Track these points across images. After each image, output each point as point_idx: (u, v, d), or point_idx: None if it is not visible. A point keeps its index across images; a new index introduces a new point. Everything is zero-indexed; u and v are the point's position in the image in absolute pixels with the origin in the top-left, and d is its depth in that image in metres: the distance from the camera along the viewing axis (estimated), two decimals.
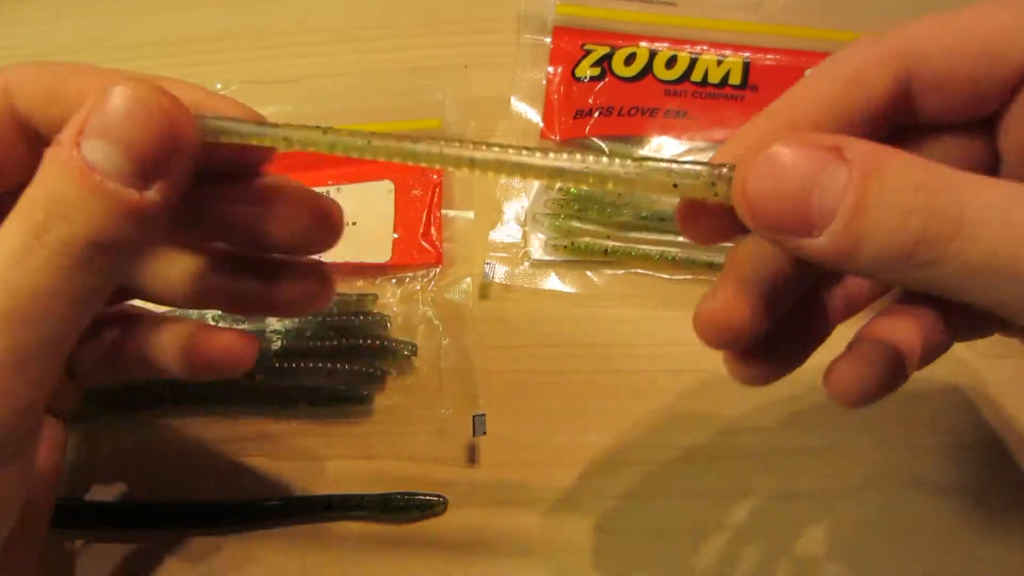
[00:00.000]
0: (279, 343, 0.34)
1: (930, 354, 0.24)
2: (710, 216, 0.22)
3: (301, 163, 0.40)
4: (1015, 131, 0.20)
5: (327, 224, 0.24)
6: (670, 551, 0.31)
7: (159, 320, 0.26)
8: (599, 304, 0.36)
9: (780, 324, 0.23)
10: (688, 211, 0.22)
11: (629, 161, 0.19)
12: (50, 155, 0.19)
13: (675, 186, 0.19)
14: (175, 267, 0.25)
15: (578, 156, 0.19)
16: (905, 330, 0.23)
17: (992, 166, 0.22)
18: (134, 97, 0.19)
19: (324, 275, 0.25)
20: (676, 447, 0.33)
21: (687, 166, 0.19)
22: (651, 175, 0.19)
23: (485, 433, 0.32)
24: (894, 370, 0.23)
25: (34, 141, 0.21)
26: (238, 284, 0.25)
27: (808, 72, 0.21)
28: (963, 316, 0.24)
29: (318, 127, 0.22)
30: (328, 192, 0.39)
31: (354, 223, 0.38)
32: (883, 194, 0.17)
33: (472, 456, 0.33)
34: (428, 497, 0.32)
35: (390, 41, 0.44)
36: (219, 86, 0.41)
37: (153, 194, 0.19)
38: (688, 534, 0.31)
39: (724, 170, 0.19)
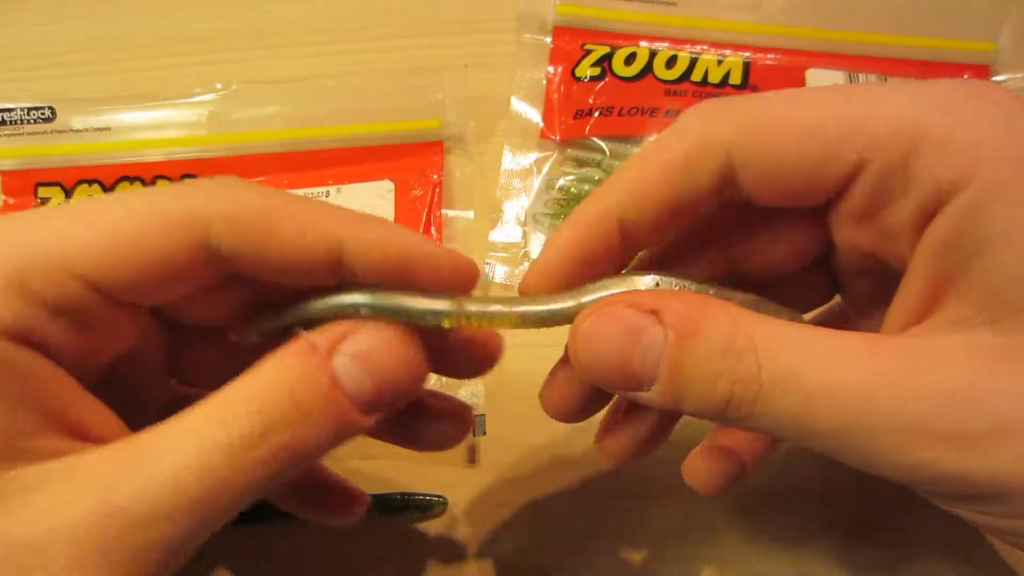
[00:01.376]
0: None
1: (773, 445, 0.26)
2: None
3: (301, 163, 0.40)
4: (842, 228, 0.21)
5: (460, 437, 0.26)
6: (670, 551, 0.31)
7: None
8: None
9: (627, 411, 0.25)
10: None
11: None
12: (299, 355, 0.19)
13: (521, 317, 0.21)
14: None
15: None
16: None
17: (825, 247, 0.23)
18: (398, 340, 0.20)
19: (466, 418, 0.26)
20: (676, 447, 0.33)
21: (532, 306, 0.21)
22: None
23: (485, 433, 0.32)
24: (741, 467, 0.25)
25: (221, 264, 0.20)
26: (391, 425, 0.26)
27: (636, 153, 0.22)
28: None
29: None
30: (328, 192, 0.39)
31: None
32: (694, 359, 0.19)
33: (472, 456, 0.33)
34: (428, 497, 0.32)
35: (390, 41, 0.44)
36: (219, 86, 0.41)
37: (372, 421, 0.19)
38: (688, 533, 0.31)
39: (555, 306, 0.21)
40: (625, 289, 0.21)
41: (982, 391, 0.17)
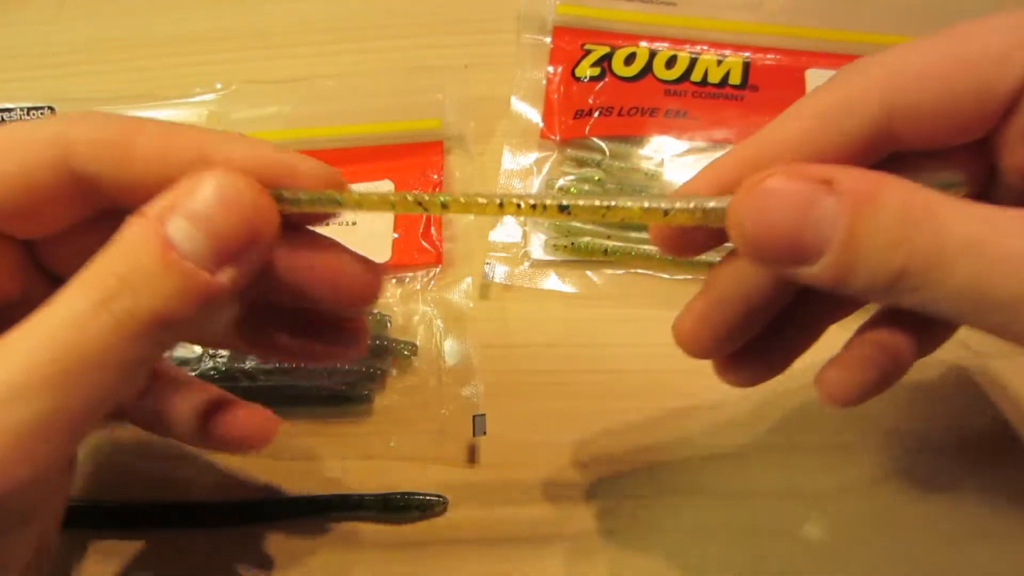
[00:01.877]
0: None
1: (920, 354, 0.24)
2: (687, 234, 0.23)
3: None
4: (1010, 151, 0.21)
5: (369, 280, 0.23)
6: (671, 550, 0.31)
7: (182, 383, 0.26)
8: (599, 304, 0.36)
9: (767, 328, 0.24)
10: (664, 231, 0.23)
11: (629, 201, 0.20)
12: (131, 225, 0.19)
13: (666, 214, 0.20)
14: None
15: (585, 196, 0.21)
16: (895, 334, 0.23)
17: (985, 183, 0.22)
18: (227, 187, 0.19)
19: (358, 332, 0.25)
20: (676, 446, 0.33)
21: (680, 202, 0.20)
22: (651, 212, 0.20)
23: (485, 433, 0.32)
24: (884, 373, 0.23)
25: (88, 193, 0.21)
26: (278, 337, 0.25)
27: (792, 107, 0.21)
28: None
29: (387, 195, 0.21)
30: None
31: (354, 223, 0.38)
32: (870, 228, 0.18)
33: (472, 456, 0.33)
34: (428, 497, 0.32)
35: (390, 41, 0.44)
36: (219, 86, 0.41)
37: (224, 278, 0.19)
38: (688, 533, 0.31)
39: (713, 203, 0.20)
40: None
41: None
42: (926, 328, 0.23)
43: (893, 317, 0.24)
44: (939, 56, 0.20)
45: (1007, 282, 0.17)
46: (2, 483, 0.18)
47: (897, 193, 0.18)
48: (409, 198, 0.21)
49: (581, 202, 0.20)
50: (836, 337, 0.24)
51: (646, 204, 0.20)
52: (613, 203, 0.20)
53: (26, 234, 0.22)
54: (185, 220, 0.19)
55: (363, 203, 0.21)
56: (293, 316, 0.24)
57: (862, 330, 0.24)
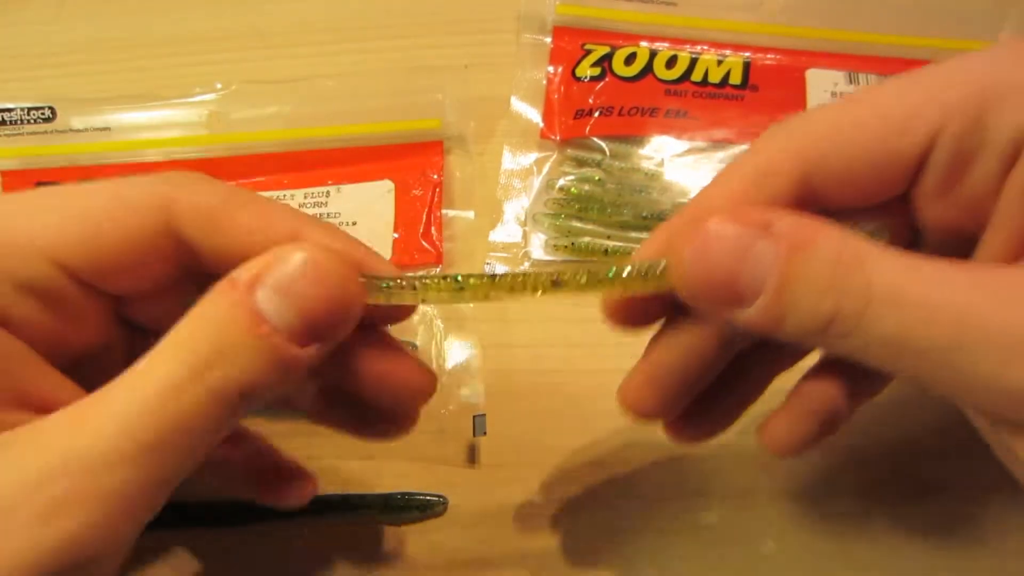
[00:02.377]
0: None
1: (857, 404, 0.25)
2: (635, 305, 0.24)
3: (301, 163, 0.40)
4: (925, 207, 0.21)
5: (424, 393, 0.24)
6: (671, 550, 0.31)
7: (238, 434, 0.27)
8: (599, 304, 0.36)
9: (713, 386, 0.24)
10: (614, 306, 0.24)
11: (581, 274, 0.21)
12: (221, 292, 0.19)
13: (622, 284, 0.21)
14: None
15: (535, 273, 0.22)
16: (832, 385, 0.24)
17: (911, 239, 0.23)
18: (317, 261, 0.19)
19: (408, 422, 0.26)
20: (676, 447, 0.33)
21: (626, 268, 0.21)
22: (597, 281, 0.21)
23: (485, 433, 0.32)
24: (823, 424, 0.24)
25: (184, 256, 0.21)
26: (334, 413, 0.26)
27: (721, 172, 0.22)
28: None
29: (475, 283, 0.22)
30: (328, 192, 0.39)
31: (354, 223, 0.38)
32: (803, 273, 0.18)
33: (472, 456, 0.33)
34: (428, 497, 0.32)
35: (390, 41, 0.44)
36: (219, 86, 0.41)
37: (311, 353, 0.19)
38: (689, 533, 0.31)
39: (657, 264, 0.21)
40: None
41: None
42: (863, 377, 0.24)
43: (831, 367, 0.24)
44: (850, 122, 0.21)
45: (926, 331, 0.18)
46: (84, 548, 0.18)
47: (830, 240, 0.18)
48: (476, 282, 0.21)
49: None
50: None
51: (587, 276, 0.21)
52: (556, 278, 0.21)
53: (120, 291, 0.22)
54: (275, 292, 0.19)
55: (433, 296, 0.21)
56: (352, 398, 0.25)
57: (802, 382, 0.25)
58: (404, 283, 0.21)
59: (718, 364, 0.24)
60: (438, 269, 0.37)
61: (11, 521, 0.17)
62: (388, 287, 0.21)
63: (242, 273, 0.19)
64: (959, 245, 0.22)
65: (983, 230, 0.21)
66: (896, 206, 0.22)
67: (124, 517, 0.18)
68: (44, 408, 0.20)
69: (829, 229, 0.19)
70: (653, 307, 0.23)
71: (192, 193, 0.21)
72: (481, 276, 0.21)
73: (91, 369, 0.23)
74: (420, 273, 0.22)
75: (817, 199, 0.21)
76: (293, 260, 0.19)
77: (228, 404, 0.19)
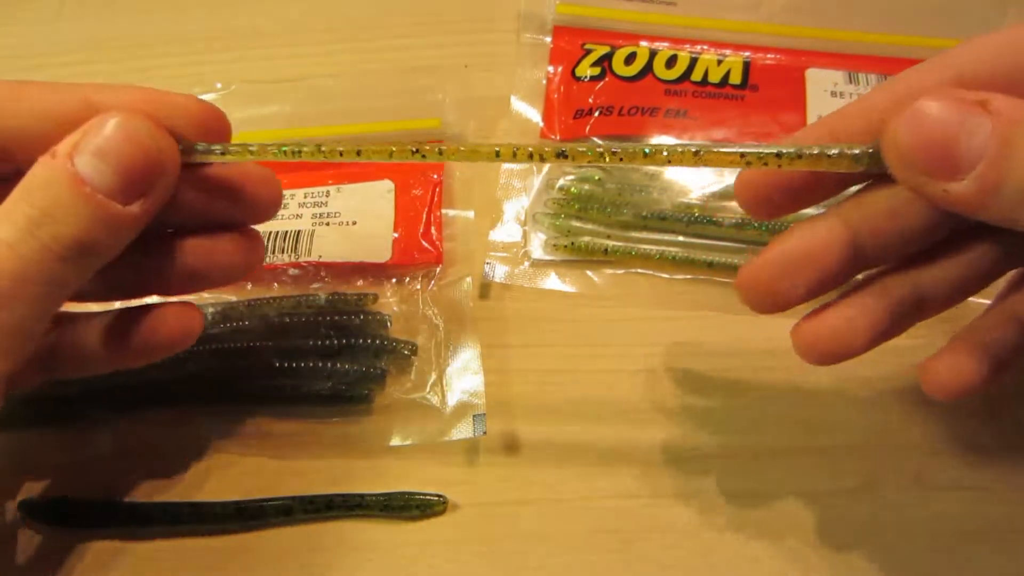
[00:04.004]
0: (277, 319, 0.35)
1: None
2: (779, 191, 0.24)
3: (301, 162, 0.40)
4: None
5: (271, 200, 0.27)
6: (671, 550, 0.31)
7: (89, 315, 0.27)
8: (599, 304, 0.36)
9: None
10: (757, 187, 0.24)
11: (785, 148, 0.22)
12: (43, 162, 0.21)
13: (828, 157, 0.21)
14: None
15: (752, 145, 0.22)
16: (1007, 321, 0.24)
17: None
18: (128, 124, 0.21)
19: (254, 238, 0.27)
20: (676, 447, 0.33)
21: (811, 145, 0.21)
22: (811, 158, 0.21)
23: (485, 433, 0.32)
24: (994, 360, 0.23)
25: None
26: (182, 258, 0.26)
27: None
28: None
29: (284, 146, 0.25)
30: (328, 192, 0.39)
31: (354, 223, 0.38)
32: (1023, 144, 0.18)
33: (472, 456, 0.33)
34: (428, 497, 0.32)
35: (390, 41, 0.44)
36: (219, 86, 0.41)
37: (135, 209, 0.22)
38: (688, 533, 0.31)
39: (865, 145, 0.21)
40: None
41: None
42: None
43: (1004, 306, 0.24)
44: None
45: None
46: None
47: None
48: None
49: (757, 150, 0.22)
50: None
51: (784, 152, 0.21)
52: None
53: None
54: (93, 156, 0.21)
55: (264, 152, 0.24)
56: (192, 238, 0.26)
57: (973, 321, 0.24)
58: (215, 148, 0.24)
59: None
60: (438, 269, 0.37)
61: None
62: (201, 151, 0.24)
63: (62, 144, 0.21)
64: None
65: None
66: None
67: None
68: None
69: None
70: (795, 195, 0.24)
71: None
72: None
73: None
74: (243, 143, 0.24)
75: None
76: (107, 125, 0.21)
77: (64, 257, 0.21)
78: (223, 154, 0.24)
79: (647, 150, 0.22)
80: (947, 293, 0.24)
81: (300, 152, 0.24)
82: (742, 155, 0.22)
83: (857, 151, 0.21)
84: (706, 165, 0.22)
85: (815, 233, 0.23)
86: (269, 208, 0.26)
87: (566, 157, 0.22)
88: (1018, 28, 0.22)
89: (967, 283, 0.24)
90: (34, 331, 0.22)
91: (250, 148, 0.24)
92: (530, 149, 0.23)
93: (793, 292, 0.23)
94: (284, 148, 0.24)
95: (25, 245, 0.20)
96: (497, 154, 0.23)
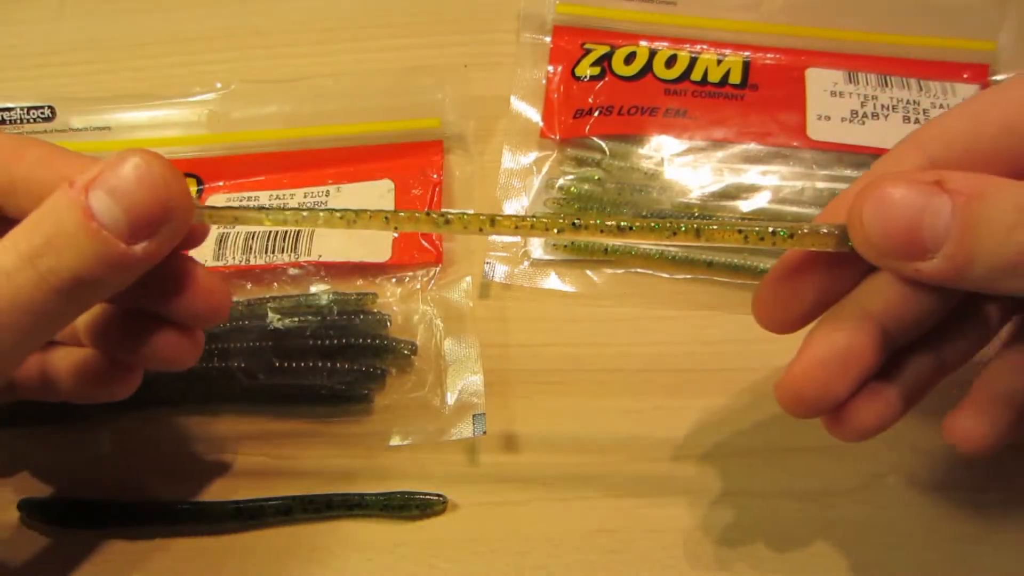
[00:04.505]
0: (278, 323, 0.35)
1: None
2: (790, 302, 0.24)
3: (300, 162, 0.40)
4: None
5: (220, 312, 0.26)
6: (670, 550, 0.31)
7: (59, 348, 0.28)
8: (599, 304, 0.36)
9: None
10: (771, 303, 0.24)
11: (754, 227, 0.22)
12: (59, 194, 0.21)
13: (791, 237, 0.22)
14: None
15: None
16: (1019, 372, 0.24)
17: None
18: (145, 166, 0.21)
19: (197, 336, 0.26)
20: (675, 446, 0.33)
21: (801, 224, 0.22)
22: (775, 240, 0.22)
23: (485, 433, 0.32)
24: (1020, 409, 0.23)
25: None
26: (124, 337, 0.26)
27: (960, 102, 0.22)
28: None
29: (297, 209, 0.25)
30: (328, 191, 0.39)
31: None
32: (987, 215, 0.19)
33: (472, 456, 0.33)
34: (428, 496, 0.32)
35: (390, 41, 0.44)
36: (219, 86, 0.41)
37: (138, 250, 0.21)
38: (688, 533, 0.31)
39: (833, 226, 0.21)
40: None
41: None
42: None
43: (1016, 350, 0.24)
44: (972, 110, 0.21)
45: None
46: None
47: (1007, 186, 0.19)
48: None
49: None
50: None
51: (756, 232, 0.22)
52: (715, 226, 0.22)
53: None
54: (106, 194, 0.21)
55: (278, 215, 0.24)
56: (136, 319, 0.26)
57: (986, 369, 0.24)
58: (237, 211, 0.24)
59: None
60: (438, 269, 0.37)
61: None
62: (226, 209, 0.24)
63: (81, 176, 0.21)
64: None
65: None
66: None
67: None
68: None
69: (1004, 179, 0.19)
70: (809, 303, 0.24)
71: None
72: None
73: None
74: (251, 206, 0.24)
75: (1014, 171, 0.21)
76: (124, 164, 0.21)
77: (60, 290, 0.21)
78: (235, 220, 0.24)
79: (655, 224, 0.23)
80: (965, 354, 0.24)
81: (310, 218, 0.24)
82: (740, 231, 0.22)
83: (823, 229, 0.22)
84: (708, 241, 0.23)
85: (845, 336, 0.22)
86: (207, 320, 0.26)
87: (578, 228, 0.22)
88: (979, 101, 0.22)
89: (982, 340, 0.24)
90: (16, 361, 0.22)
91: (267, 212, 0.24)
92: (545, 221, 0.23)
93: (839, 395, 0.22)
94: (302, 212, 0.24)
95: (23, 274, 0.20)
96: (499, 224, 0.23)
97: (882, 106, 0.39)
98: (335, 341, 0.34)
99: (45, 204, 0.21)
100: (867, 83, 0.40)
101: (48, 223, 0.21)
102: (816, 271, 0.23)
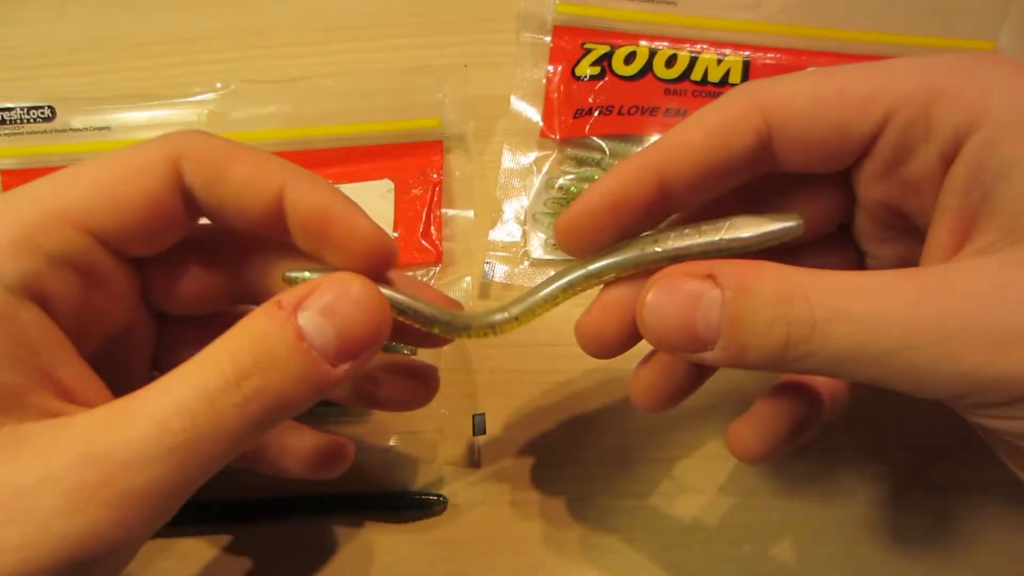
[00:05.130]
0: None
1: (836, 408, 0.27)
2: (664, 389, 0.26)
3: (301, 162, 0.40)
4: (865, 187, 0.23)
5: (426, 396, 0.28)
6: (670, 549, 0.31)
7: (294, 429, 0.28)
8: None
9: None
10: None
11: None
12: (267, 311, 0.21)
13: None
14: None
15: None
16: (804, 390, 0.26)
17: (850, 210, 0.25)
18: (360, 290, 0.21)
19: (428, 376, 0.28)
20: (675, 446, 0.33)
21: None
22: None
23: (485, 433, 0.32)
24: (794, 427, 0.25)
25: (190, 207, 0.23)
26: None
27: (685, 120, 0.23)
28: None
29: (489, 323, 0.25)
30: None
31: None
32: (750, 310, 0.20)
33: (472, 456, 0.33)
34: (428, 497, 0.32)
35: (390, 41, 0.44)
36: (219, 86, 0.41)
37: (342, 371, 0.21)
38: (688, 532, 0.31)
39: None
40: (645, 251, 0.23)
41: (1017, 291, 0.19)
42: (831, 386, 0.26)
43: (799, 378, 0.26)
44: (815, 91, 0.22)
45: (876, 337, 0.19)
46: (104, 543, 0.18)
47: (771, 277, 0.20)
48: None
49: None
50: None
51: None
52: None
53: (143, 251, 0.23)
54: (318, 314, 0.20)
55: (473, 330, 0.25)
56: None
57: (772, 388, 0.26)
58: (435, 316, 0.24)
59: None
60: (437, 268, 0.37)
61: (32, 511, 0.18)
62: (414, 313, 0.24)
63: (288, 296, 0.21)
64: (895, 230, 0.24)
65: (920, 219, 0.23)
66: (842, 179, 0.24)
67: (141, 518, 0.19)
68: (67, 395, 0.21)
69: (769, 269, 0.21)
70: (683, 385, 0.25)
71: (194, 148, 0.22)
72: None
73: (119, 355, 0.24)
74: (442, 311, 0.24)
75: (773, 160, 0.23)
76: (340, 288, 0.21)
77: (261, 414, 0.20)
78: (426, 321, 0.24)
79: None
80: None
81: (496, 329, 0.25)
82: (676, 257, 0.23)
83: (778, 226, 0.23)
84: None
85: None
86: (411, 405, 0.27)
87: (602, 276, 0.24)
88: (710, 116, 0.23)
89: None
90: (196, 487, 0.20)
91: (457, 325, 0.24)
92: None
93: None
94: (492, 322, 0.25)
95: (227, 398, 0.19)
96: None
97: None
98: None
99: (251, 322, 0.20)
100: None
101: (255, 344, 0.20)
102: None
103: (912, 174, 0.22)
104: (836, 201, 0.25)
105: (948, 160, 0.21)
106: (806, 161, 0.23)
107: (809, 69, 0.23)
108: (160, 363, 0.27)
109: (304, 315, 0.20)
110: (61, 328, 0.21)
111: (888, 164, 0.22)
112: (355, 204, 0.23)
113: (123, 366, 0.25)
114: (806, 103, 0.22)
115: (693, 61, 0.41)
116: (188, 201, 0.23)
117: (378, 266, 0.23)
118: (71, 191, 0.21)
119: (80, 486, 0.18)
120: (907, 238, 0.24)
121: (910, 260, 0.24)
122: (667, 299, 0.21)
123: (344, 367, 0.21)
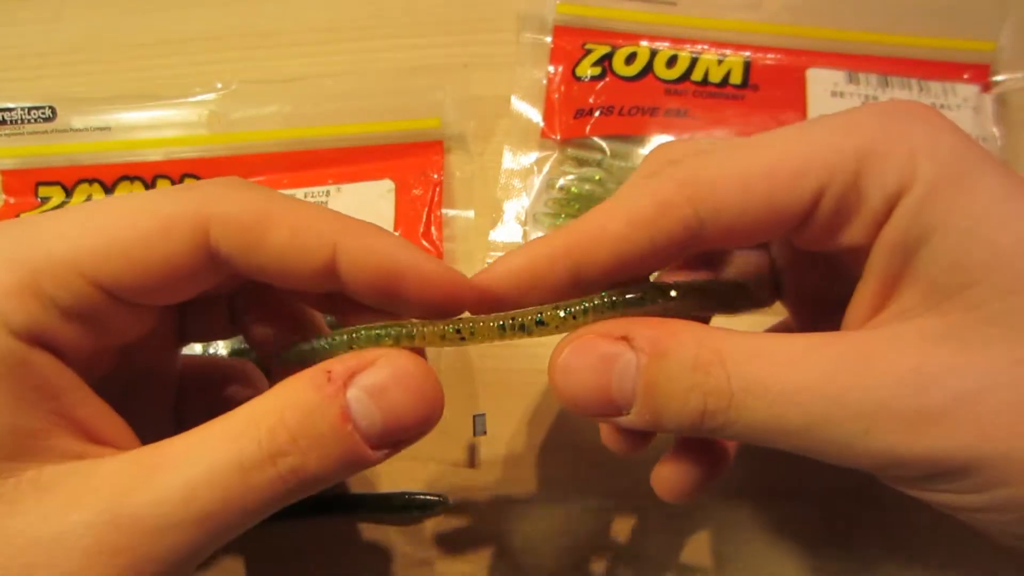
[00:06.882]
0: None
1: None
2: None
3: (301, 162, 0.40)
4: (802, 246, 0.22)
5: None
6: (670, 551, 0.31)
7: None
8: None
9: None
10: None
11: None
12: (314, 385, 0.19)
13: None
14: None
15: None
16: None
17: (786, 263, 0.25)
18: (413, 373, 0.20)
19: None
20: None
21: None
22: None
23: (485, 433, 0.32)
24: (710, 466, 0.25)
25: (221, 266, 0.21)
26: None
27: (606, 203, 0.22)
28: None
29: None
30: (328, 191, 0.39)
31: None
32: (666, 377, 0.20)
33: (472, 456, 0.33)
34: (428, 497, 0.32)
35: (390, 41, 0.44)
36: (219, 86, 0.41)
37: (377, 456, 0.20)
38: (688, 533, 0.31)
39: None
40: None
41: (932, 370, 0.18)
42: None
43: None
44: (744, 175, 0.21)
45: (791, 412, 0.19)
46: None
47: (688, 342, 0.20)
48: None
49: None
50: None
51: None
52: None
53: (164, 302, 0.22)
54: (368, 396, 0.19)
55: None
56: None
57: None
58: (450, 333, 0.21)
59: None
60: None
61: (48, 568, 0.17)
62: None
63: (340, 367, 0.19)
64: (822, 287, 0.24)
65: (849, 270, 0.22)
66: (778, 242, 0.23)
67: None
68: (88, 435, 0.20)
69: (686, 333, 0.20)
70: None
71: (227, 208, 0.20)
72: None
73: (137, 391, 0.24)
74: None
75: (701, 244, 0.21)
76: (395, 371, 0.20)
77: (292, 490, 0.19)
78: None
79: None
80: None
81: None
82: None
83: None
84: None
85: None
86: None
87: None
88: (635, 203, 0.21)
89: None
90: (205, 557, 0.19)
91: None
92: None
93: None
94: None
95: (262, 473, 0.18)
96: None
97: None
98: None
99: (295, 393, 0.19)
100: (868, 83, 0.40)
101: (296, 416, 0.19)
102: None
103: (847, 239, 0.21)
104: (761, 261, 0.25)
105: (881, 224, 0.20)
106: (739, 242, 0.22)
107: (734, 140, 0.23)
108: (184, 334, 0.25)
109: (353, 392, 0.19)
110: (73, 367, 0.20)
111: (824, 232, 0.21)
112: (416, 248, 0.21)
113: (147, 400, 0.24)
114: (738, 190, 0.20)
115: (694, 61, 0.41)
116: (217, 263, 0.21)
117: (456, 310, 0.22)
118: (84, 242, 0.20)
119: (100, 548, 0.18)
120: (834, 292, 0.23)
121: (838, 307, 0.23)
122: (580, 362, 0.20)
123: (382, 452, 0.20)
